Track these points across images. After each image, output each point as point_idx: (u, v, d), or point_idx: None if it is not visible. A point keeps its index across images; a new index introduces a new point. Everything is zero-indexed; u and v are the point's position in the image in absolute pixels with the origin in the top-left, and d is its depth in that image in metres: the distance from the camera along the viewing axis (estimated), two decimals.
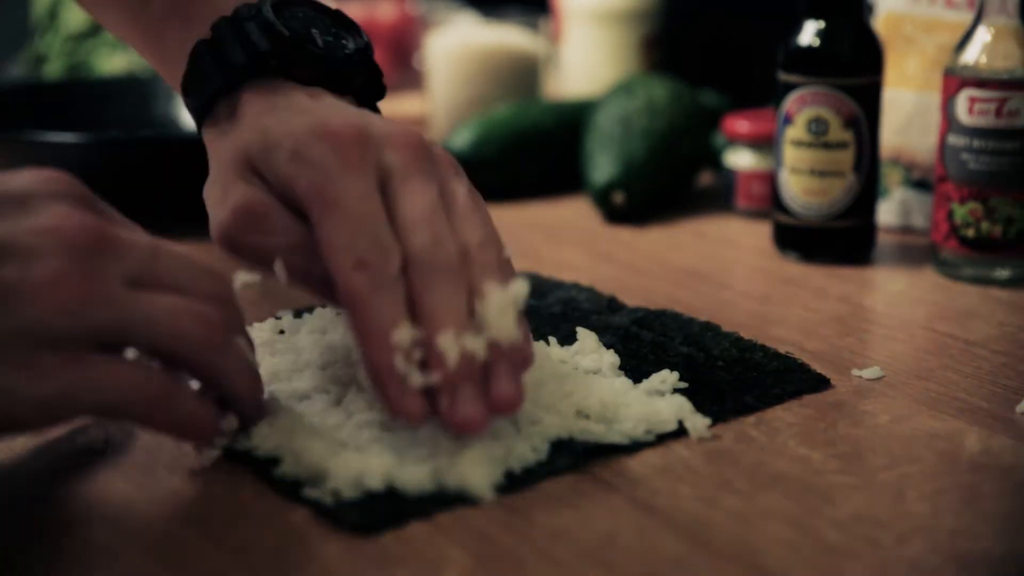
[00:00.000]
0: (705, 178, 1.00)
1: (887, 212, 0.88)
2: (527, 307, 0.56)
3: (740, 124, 0.93)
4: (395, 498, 0.50)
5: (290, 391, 0.57)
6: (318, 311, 0.63)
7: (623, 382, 0.58)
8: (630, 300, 0.72)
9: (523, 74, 1.11)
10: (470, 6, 1.26)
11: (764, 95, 0.89)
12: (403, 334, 0.50)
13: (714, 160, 0.96)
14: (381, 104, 0.63)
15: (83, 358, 0.47)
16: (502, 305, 0.52)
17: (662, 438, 0.55)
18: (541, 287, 0.74)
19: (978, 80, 0.75)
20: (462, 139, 0.98)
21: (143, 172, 0.86)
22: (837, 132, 0.79)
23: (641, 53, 1.17)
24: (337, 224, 0.52)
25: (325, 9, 0.61)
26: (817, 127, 0.79)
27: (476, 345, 0.51)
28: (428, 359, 0.50)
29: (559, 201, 0.97)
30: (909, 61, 0.86)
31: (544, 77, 1.13)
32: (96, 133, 0.89)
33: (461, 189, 0.56)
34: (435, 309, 0.51)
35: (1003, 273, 0.77)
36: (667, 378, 0.59)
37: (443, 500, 0.50)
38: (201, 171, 0.58)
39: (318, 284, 0.54)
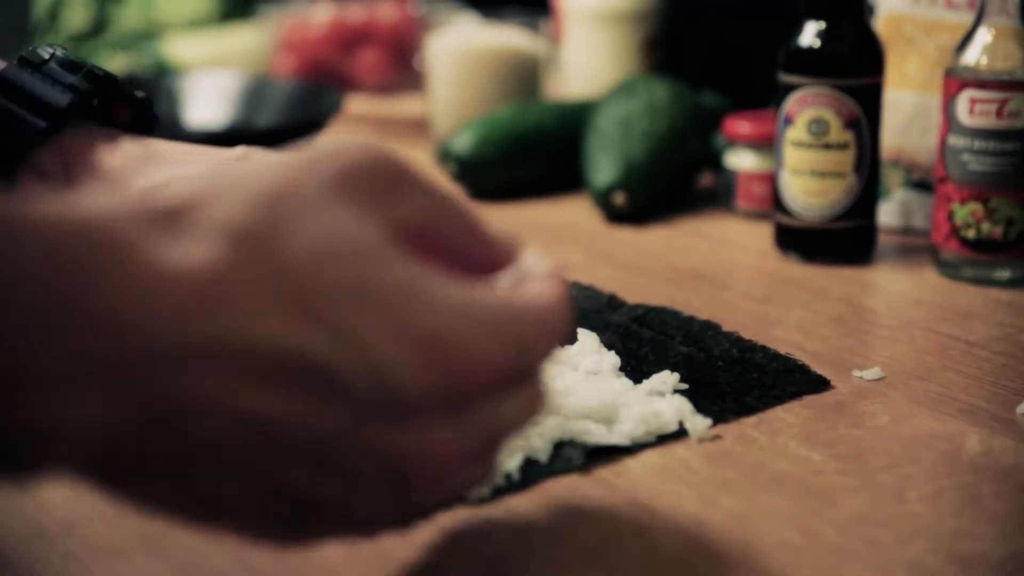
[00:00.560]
0: (706, 179, 1.00)
1: (888, 213, 0.88)
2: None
3: (741, 125, 0.93)
4: None
5: None
6: None
7: (623, 383, 0.59)
8: (631, 300, 0.72)
9: (524, 75, 1.10)
10: (470, 7, 1.26)
11: (765, 96, 0.89)
12: None
13: (715, 161, 0.96)
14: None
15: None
16: None
17: (662, 439, 0.55)
18: None
19: (979, 81, 0.75)
20: (463, 140, 0.98)
21: None
22: (838, 133, 0.79)
23: (642, 54, 1.17)
24: None
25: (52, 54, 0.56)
26: (818, 128, 0.79)
27: None
28: None
29: (559, 202, 0.97)
30: (910, 62, 0.86)
31: (545, 78, 1.13)
32: None
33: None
34: None
35: (1004, 274, 0.77)
36: (667, 379, 0.59)
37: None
38: None
39: None
